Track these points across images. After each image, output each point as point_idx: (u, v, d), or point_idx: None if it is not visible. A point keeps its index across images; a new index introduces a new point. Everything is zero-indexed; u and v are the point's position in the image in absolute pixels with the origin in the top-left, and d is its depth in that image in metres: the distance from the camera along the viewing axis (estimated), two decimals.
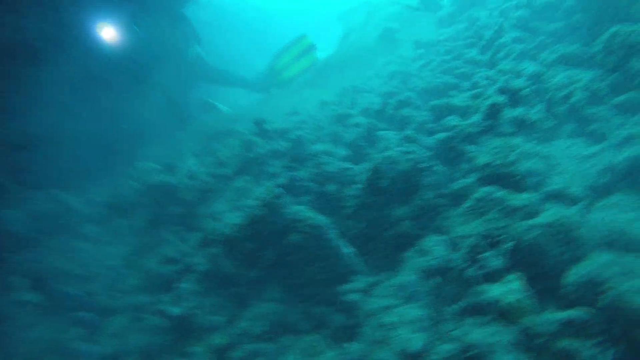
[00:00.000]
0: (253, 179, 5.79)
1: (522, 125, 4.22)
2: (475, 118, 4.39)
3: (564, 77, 4.46)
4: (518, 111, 4.34)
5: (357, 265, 3.63)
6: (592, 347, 2.27)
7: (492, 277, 2.89)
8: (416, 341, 2.72)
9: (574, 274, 2.59)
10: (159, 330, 3.99)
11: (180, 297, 4.25)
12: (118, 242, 6.76)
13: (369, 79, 9.66)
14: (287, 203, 3.91)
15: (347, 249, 3.67)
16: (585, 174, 3.43)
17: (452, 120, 4.53)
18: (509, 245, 2.94)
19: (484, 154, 3.88)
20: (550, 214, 3.00)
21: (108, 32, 11.04)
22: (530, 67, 5.16)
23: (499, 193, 3.31)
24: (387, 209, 3.69)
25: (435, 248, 3.28)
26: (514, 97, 4.66)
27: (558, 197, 3.27)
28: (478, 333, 2.58)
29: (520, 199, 3.26)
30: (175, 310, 3.85)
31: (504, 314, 2.61)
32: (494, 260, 2.95)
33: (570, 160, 3.68)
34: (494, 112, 4.33)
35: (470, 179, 3.74)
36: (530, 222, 2.98)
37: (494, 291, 2.70)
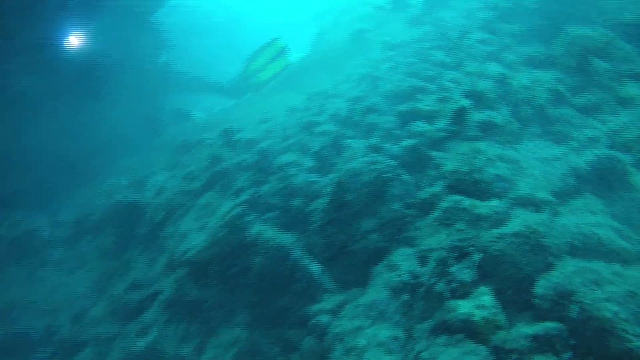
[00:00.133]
0: (220, 195, 5.61)
1: (488, 129, 4.16)
2: (442, 123, 4.32)
3: (528, 79, 4.44)
4: (484, 115, 4.29)
5: (326, 283, 3.50)
6: None
7: (462, 291, 2.80)
8: None
9: (543, 285, 2.52)
10: None
11: (146, 327, 4.05)
12: (84, 267, 6.48)
13: (338, 83, 9.56)
14: (250, 222, 3.75)
15: (314, 267, 3.54)
16: (550, 178, 3.38)
17: (419, 126, 4.45)
18: (477, 257, 2.86)
19: (450, 160, 3.81)
20: (518, 222, 2.93)
21: (69, 41, 10.65)
22: (495, 69, 5.13)
23: (467, 202, 3.23)
24: (354, 223, 3.57)
25: (403, 263, 3.17)
26: (480, 100, 4.61)
27: (524, 203, 3.21)
28: (449, 354, 2.48)
29: (487, 207, 3.18)
30: (140, 345, 3.65)
31: (474, 331, 2.51)
32: (462, 273, 2.86)
33: (535, 164, 3.64)
34: (460, 116, 4.26)
35: (437, 187, 3.65)
36: (498, 231, 2.90)
37: (464, 307, 2.60)
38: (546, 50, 4.73)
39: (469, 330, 2.51)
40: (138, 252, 6.07)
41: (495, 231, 2.89)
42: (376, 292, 3.14)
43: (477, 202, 3.22)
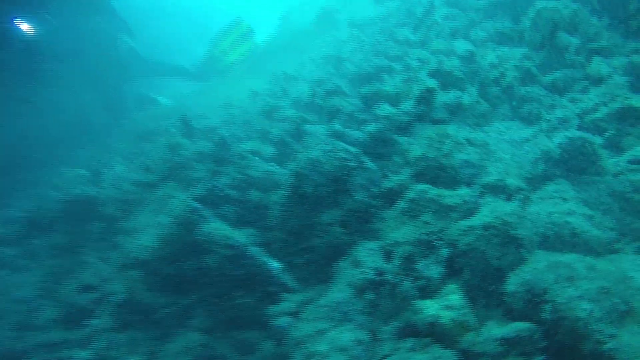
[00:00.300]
0: (177, 187, 5.25)
1: (455, 111, 3.96)
2: (407, 105, 4.08)
3: (495, 56, 4.23)
4: (451, 95, 4.08)
5: (287, 281, 3.26)
6: None
7: (429, 290, 2.61)
8: None
9: (514, 282, 2.34)
10: None
11: (93, 335, 3.73)
12: (35, 267, 6.04)
13: (303, 65, 9.20)
14: (203, 218, 3.45)
15: (274, 265, 3.29)
16: (520, 162, 3.20)
17: (384, 108, 4.20)
18: (445, 251, 2.66)
19: (417, 145, 3.58)
20: (487, 211, 2.74)
21: (17, 25, 9.90)
22: (461, 46, 4.92)
23: (433, 191, 3.01)
24: (316, 216, 3.32)
25: (368, 258, 2.94)
26: (447, 80, 4.39)
27: (494, 190, 3.03)
28: (416, 359, 2.28)
29: (455, 196, 2.99)
30: (84, 355, 3.34)
31: (442, 333, 2.32)
32: (430, 269, 2.67)
33: (505, 147, 3.46)
34: (426, 97, 4.03)
35: (404, 176, 3.43)
36: (467, 223, 2.71)
37: (431, 308, 2.40)
38: (514, 26, 4.53)
39: (437, 333, 2.32)
40: (92, 249, 5.68)
41: (464, 223, 2.69)
42: (339, 291, 2.92)
43: (445, 191, 3.02)
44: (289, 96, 6.16)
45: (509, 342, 2.14)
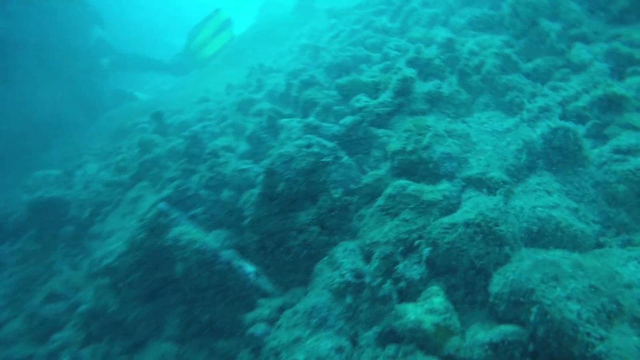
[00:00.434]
0: (150, 187, 5.03)
1: (435, 101, 3.81)
2: (385, 96, 3.93)
3: (475, 44, 4.10)
4: (430, 85, 3.93)
5: (262, 285, 3.09)
6: None
7: (411, 291, 2.47)
8: None
9: (498, 283, 2.22)
10: None
11: (60, 348, 3.52)
12: (2, 275, 5.75)
13: (280, 56, 8.97)
14: (173, 221, 3.26)
15: (248, 268, 3.12)
16: (502, 154, 3.08)
17: (361, 100, 4.03)
18: (427, 251, 2.53)
19: (395, 138, 3.43)
20: (469, 207, 2.61)
21: None
22: (440, 34, 4.77)
23: (413, 186, 2.87)
24: (291, 215, 3.15)
25: (346, 260, 2.80)
26: (426, 69, 4.24)
27: (476, 184, 2.90)
28: None
29: (436, 191, 2.85)
30: None
31: (425, 339, 2.19)
32: (410, 270, 2.53)
33: (486, 138, 3.33)
34: (404, 87, 3.88)
35: (382, 170, 3.28)
36: (448, 220, 2.57)
37: (413, 313, 2.27)
38: (492, 12, 4.40)
39: (419, 339, 2.20)
40: (62, 255, 5.43)
41: (446, 220, 2.56)
42: (317, 295, 2.77)
43: (425, 187, 2.88)
44: (264, 89, 5.95)
45: (494, 347, 2.03)
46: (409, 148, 3.21)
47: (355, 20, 7.15)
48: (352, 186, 3.24)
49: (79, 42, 12.73)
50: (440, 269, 2.48)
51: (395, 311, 2.35)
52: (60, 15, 11.98)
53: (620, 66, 3.49)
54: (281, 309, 2.89)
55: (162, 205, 3.32)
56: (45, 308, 4.24)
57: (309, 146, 3.21)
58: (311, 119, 3.71)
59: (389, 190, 2.93)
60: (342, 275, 2.72)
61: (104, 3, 14.17)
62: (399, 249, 2.62)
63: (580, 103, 3.22)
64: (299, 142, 3.21)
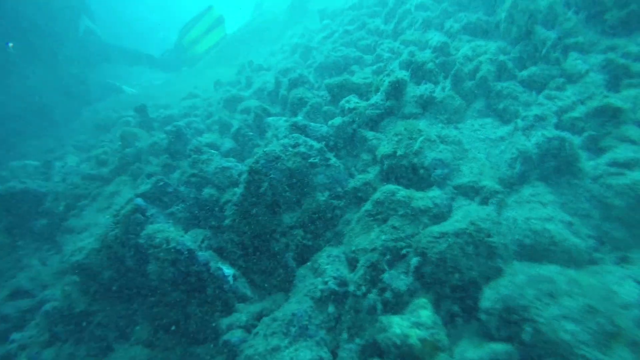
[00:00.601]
0: (129, 182, 4.82)
1: (427, 105, 3.71)
2: (377, 98, 3.80)
3: (470, 49, 4.00)
4: (423, 89, 3.82)
5: (241, 289, 2.93)
6: None
7: (396, 304, 2.34)
8: None
9: (490, 298, 2.10)
10: None
11: (19, 349, 3.30)
12: None
13: (272, 54, 8.82)
14: (149, 218, 3.08)
15: (227, 271, 2.95)
16: (496, 162, 2.98)
17: (352, 101, 3.91)
18: (415, 260, 2.40)
19: (385, 142, 3.31)
20: (460, 216, 2.49)
21: None
22: (435, 38, 4.67)
23: (403, 192, 2.74)
24: (274, 217, 3.00)
25: (329, 266, 2.66)
26: (419, 72, 4.14)
27: (468, 193, 2.79)
28: None
29: (426, 198, 2.73)
30: None
31: (411, 355, 2.06)
32: (397, 281, 2.40)
33: (479, 146, 3.23)
34: (397, 90, 3.76)
35: (371, 174, 3.16)
36: (438, 229, 2.44)
37: (398, 326, 2.13)
38: (487, 17, 4.32)
39: (404, 355, 2.06)
40: (32, 250, 5.17)
41: (436, 229, 2.43)
42: (298, 302, 2.62)
43: (415, 193, 2.76)
44: (253, 86, 5.79)
45: None
46: (399, 152, 3.09)
47: (348, 21, 7.04)
48: (339, 189, 3.10)
49: (67, 30, 12.42)
50: (428, 280, 2.35)
51: (379, 323, 2.21)
52: (46, 3, 11.67)
53: (615, 78, 3.43)
54: (260, 315, 2.74)
55: (138, 201, 3.13)
56: (8, 305, 4.00)
57: (295, 146, 3.06)
58: (299, 118, 3.57)
59: (377, 195, 2.80)
60: (325, 283, 2.58)
61: None
62: (386, 257, 2.49)
63: (575, 114, 3.14)
64: (285, 141, 3.06)
